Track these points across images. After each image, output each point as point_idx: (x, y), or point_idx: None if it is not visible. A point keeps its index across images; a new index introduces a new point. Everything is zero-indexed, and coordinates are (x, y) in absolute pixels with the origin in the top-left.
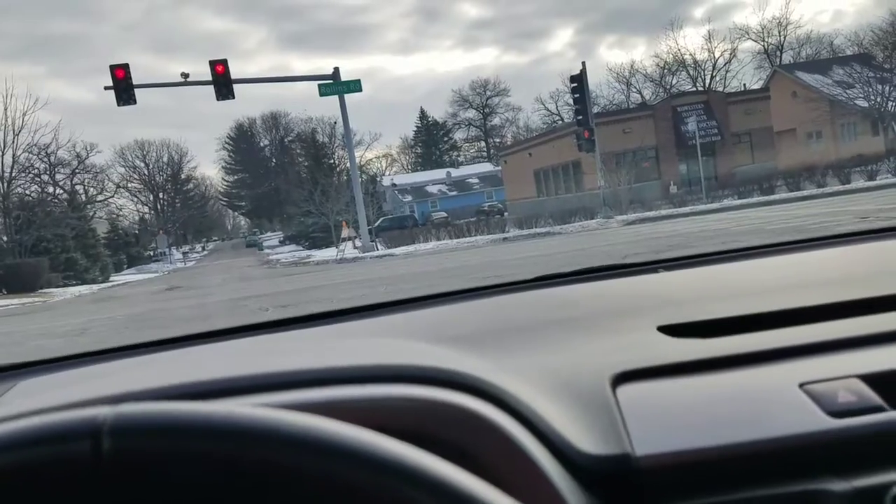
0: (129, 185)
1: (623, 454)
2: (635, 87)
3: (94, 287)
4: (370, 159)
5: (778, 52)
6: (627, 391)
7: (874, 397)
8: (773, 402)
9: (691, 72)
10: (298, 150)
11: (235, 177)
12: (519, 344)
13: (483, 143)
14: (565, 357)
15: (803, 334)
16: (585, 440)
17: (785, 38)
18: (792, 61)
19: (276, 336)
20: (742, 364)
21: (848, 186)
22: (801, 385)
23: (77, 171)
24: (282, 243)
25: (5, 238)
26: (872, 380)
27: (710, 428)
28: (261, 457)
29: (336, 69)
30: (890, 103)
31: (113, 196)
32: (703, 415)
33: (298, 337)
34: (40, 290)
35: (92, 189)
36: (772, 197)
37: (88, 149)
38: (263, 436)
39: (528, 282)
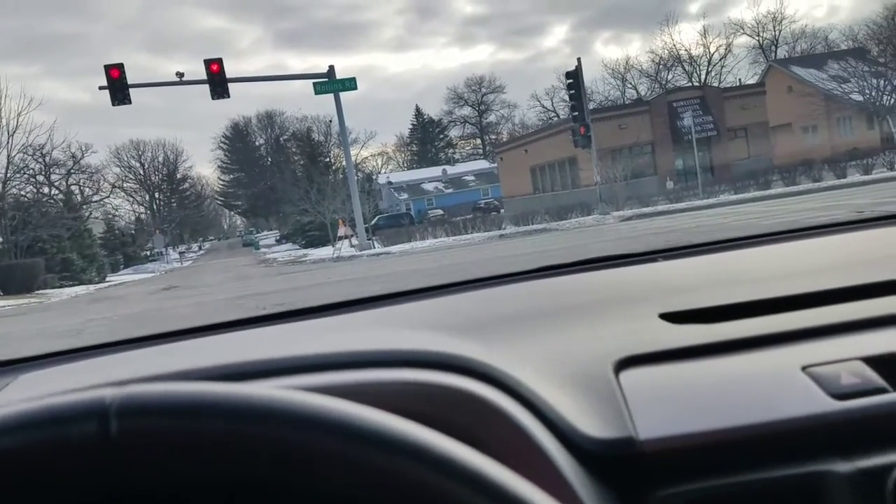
0: (125, 185)
1: (627, 437)
2: (631, 83)
3: (91, 287)
4: (366, 157)
5: (773, 47)
6: (630, 376)
7: (877, 379)
8: (776, 384)
9: (687, 67)
10: (294, 149)
11: (231, 176)
12: (521, 332)
13: (479, 141)
14: (568, 344)
15: (805, 318)
16: (589, 424)
17: (780, 32)
18: (787, 56)
19: (276, 328)
20: (744, 348)
21: (844, 181)
22: (804, 368)
23: (72, 171)
24: (278, 242)
25: (1, 239)
26: (875, 362)
27: (713, 411)
28: (275, 437)
29: (331, 67)
30: (885, 97)
31: (109, 196)
32: (707, 398)
33: (300, 328)
34: (37, 291)
35: (87, 189)
36: (768, 192)
37: (84, 149)
38: (276, 416)
39: (528, 272)
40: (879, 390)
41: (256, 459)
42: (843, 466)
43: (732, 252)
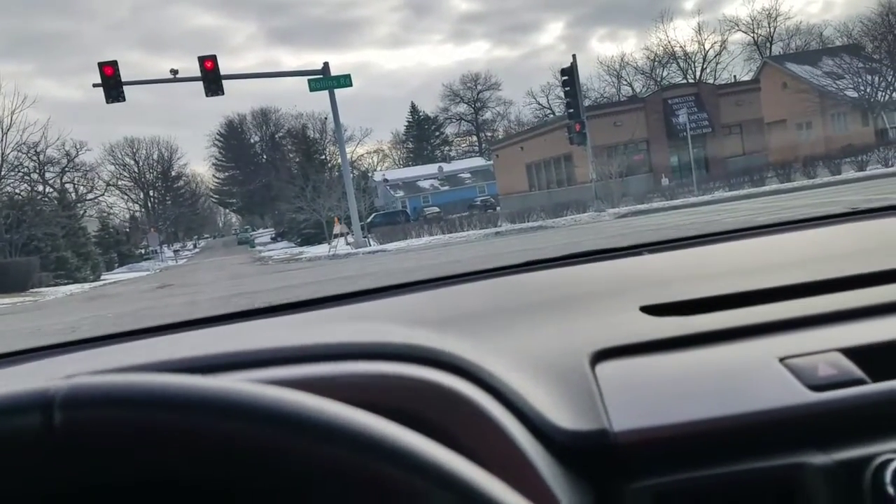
0: (120, 182)
1: (600, 429)
2: (626, 80)
3: (86, 286)
4: (361, 155)
5: (768, 44)
6: (606, 368)
7: (855, 370)
8: (753, 376)
9: (682, 64)
10: (289, 147)
11: (226, 174)
12: (498, 326)
13: (475, 138)
14: (544, 337)
15: (783, 310)
16: (562, 416)
17: (774, 29)
18: (782, 53)
19: (255, 323)
20: (721, 340)
21: (838, 177)
22: (781, 359)
23: (67, 169)
24: (274, 240)
25: None
26: (853, 353)
27: (689, 403)
28: (222, 429)
29: (326, 64)
30: (879, 94)
31: (103, 194)
32: (683, 390)
33: (280, 323)
34: (31, 290)
35: (82, 187)
36: (762, 188)
37: (78, 147)
38: (221, 408)
39: (511, 267)
40: (857, 381)
41: (208, 453)
42: (821, 459)
43: (717, 245)
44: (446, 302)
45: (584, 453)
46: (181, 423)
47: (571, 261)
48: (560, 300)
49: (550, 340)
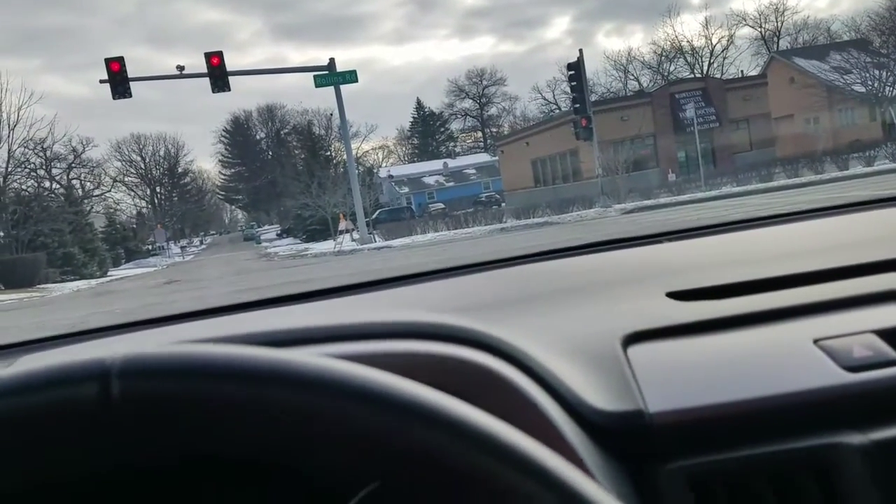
0: (126, 179)
1: (636, 410)
2: (633, 75)
3: (93, 282)
4: (367, 151)
5: (775, 39)
6: (639, 351)
7: (890, 351)
8: (788, 358)
9: (689, 59)
10: (295, 143)
11: (232, 170)
12: (528, 311)
13: (480, 134)
14: (575, 321)
15: (815, 293)
16: (598, 398)
17: (782, 24)
18: (789, 47)
19: (285, 309)
20: (754, 323)
21: (846, 172)
22: (816, 341)
23: (73, 165)
24: (279, 236)
25: (2, 233)
26: (888, 335)
27: (723, 384)
28: (279, 399)
29: (331, 60)
30: (887, 88)
31: (110, 190)
32: (717, 372)
33: (312, 308)
34: (38, 286)
35: (88, 183)
36: (770, 184)
37: (84, 143)
38: (280, 378)
39: (534, 255)
40: (892, 362)
41: (262, 422)
42: (857, 438)
43: (737, 234)
44: (474, 289)
45: (620, 434)
46: (242, 394)
47: (594, 249)
48: (586, 287)
49: (580, 324)
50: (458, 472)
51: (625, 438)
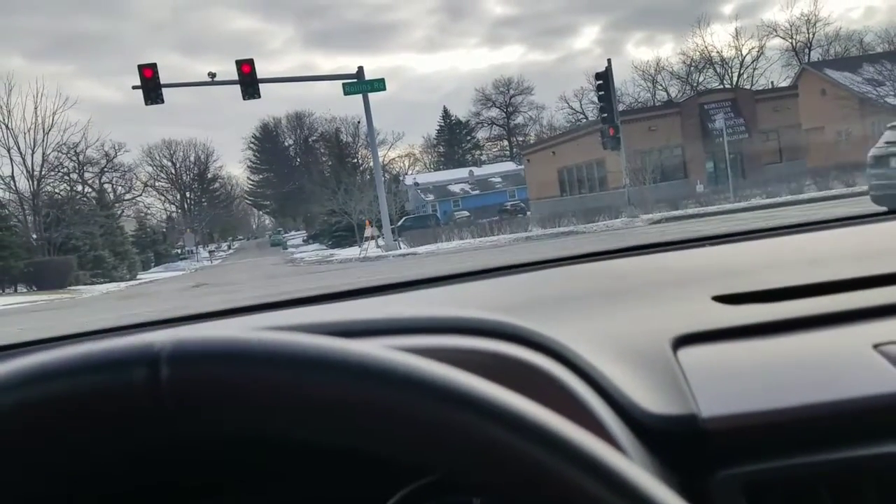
0: (157, 183)
1: (689, 414)
2: (661, 85)
3: (122, 284)
4: (393, 158)
5: (806, 50)
6: (689, 354)
7: None
8: (845, 363)
9: (718, 69)
10: (322, 150)
11: (260, 176)
12: (575, 311)
13: (506, 142)
14: (621, 323)
15: (873, 297)
16: (649, 400)
17: (814, 35)
18: (820, 59)
19: (322, 307)
20: (807, 327)
21: None
22: (876, 346)
23: (105, 169)
24: (306, 242)
25: (35, 236)
26: None
27: (778, 389)
28: (334, 389)
29: (360, 68)
30: None
31: (141, 195)
32: (771, 377)
33: (361, 305)
34: (69, 287)
35: (120, 188)
36: (800, 196)
37: (117, 148)
38: (335, 367)
39: (575, 257)
40: None
41: (315, 411)
42: None
43: (785, 238)
44: (521, 288)
45: (672, 438)
46: (294, 382)
47: (635, 252)
48: (630, 289)
49: (627, 326)
50: (529, 472)
51: (676, 443)
